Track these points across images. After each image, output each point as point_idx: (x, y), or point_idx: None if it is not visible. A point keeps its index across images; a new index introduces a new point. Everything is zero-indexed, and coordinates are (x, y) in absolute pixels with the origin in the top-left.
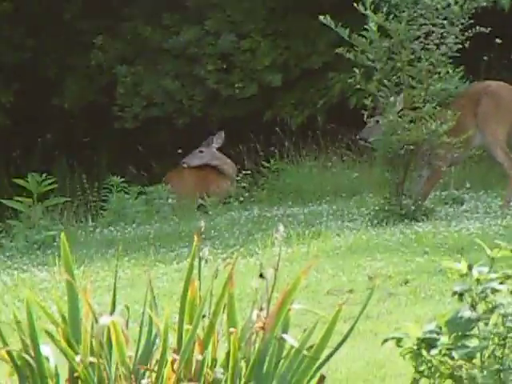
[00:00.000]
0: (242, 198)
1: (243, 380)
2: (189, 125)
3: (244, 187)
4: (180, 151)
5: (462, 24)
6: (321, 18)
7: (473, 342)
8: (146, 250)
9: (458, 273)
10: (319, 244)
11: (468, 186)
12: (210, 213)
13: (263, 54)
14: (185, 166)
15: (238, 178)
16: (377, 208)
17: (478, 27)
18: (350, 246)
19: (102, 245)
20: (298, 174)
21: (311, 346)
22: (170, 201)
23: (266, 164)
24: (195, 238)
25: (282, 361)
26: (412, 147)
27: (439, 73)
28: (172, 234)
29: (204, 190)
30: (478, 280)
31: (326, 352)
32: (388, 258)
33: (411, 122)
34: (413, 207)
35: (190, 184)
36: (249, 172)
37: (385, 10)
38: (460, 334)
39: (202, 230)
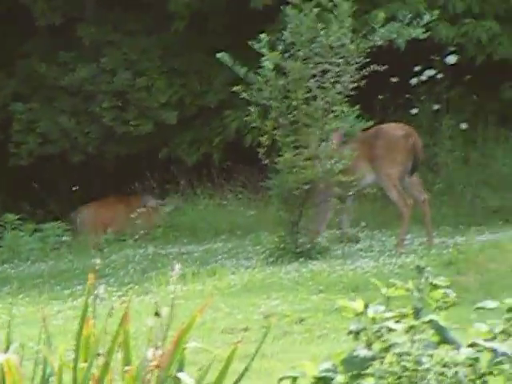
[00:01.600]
0: (136, 236)
1: None
2: (84, 162)
3: (139, 225)
4: (75, 188)
5: (358, 63)
6: (218, 55)
7: (368, 381)
8: (41, 287)
9: (353, 312)
10: (214, 282)
11: (363, 224)
12: (105, 250)
13: (159, 91)
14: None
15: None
16: (272, 246)
17: (373, 66)
18: (246, 285)
19: None
20: (193, 212)
21: None
22: (64, 238)
23: (161, 202)
24: (90, 275)
25: None
26: (307, 186)
27: (335, 111)
28: (67, 272)
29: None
30: (373, 319)
31: None
32: (283, 297)
33: (307, 160)
34: (308, 245)
35: (103, 218)
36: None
37: (280, 48)
38: (356, 372)
39: (97, 267)
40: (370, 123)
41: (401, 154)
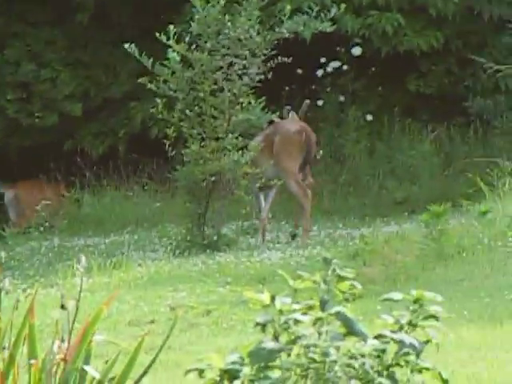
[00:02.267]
0: (42, 228)
1: None
2: None
3: (44, 217)
4: None
5: (265, 55)
6: (126, 45)
7: (275, 373)
8: None
9: (260, 304)
10: (120, 274)
11: (270, 216)
12: (10, 242)
13: (63, 83)
14: None
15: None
16: (179, 238)
17: (279, 58)
18: (152, 277)
19: None
20: (99, 204)
21: (113, 378)
22: None
23: (67, 194)
24: None
25: None
26: (214, 178)
27: (241, 103)
28: None
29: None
30: (280, 311)
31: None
32: (190, 289)
33: (213, 152)
34: (215, 237)
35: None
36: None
37: (187, 40)
38: (263, 364)
39: (2, 260)
40: (276, 115)
41: (296, 149)
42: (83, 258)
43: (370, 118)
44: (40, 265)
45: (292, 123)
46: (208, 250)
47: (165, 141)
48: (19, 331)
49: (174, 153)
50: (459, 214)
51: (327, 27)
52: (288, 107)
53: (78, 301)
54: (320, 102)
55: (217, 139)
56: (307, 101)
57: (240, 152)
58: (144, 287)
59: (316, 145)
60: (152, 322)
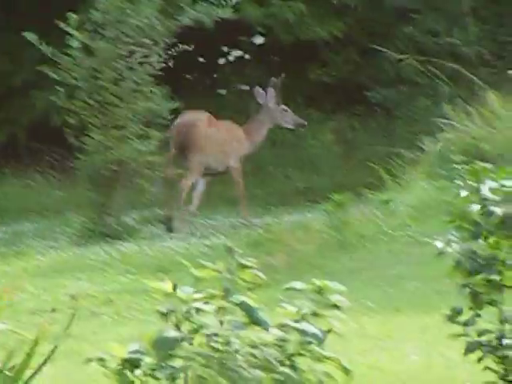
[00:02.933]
0: None
1: None
2: None
3: None
4: None
5: (166, 43)
6: (25, 34)
7: (177, 363)
8: None
9: (162, 293)
10: (21, 263)
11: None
12: None
13: None
14: None
15: None
16: (80, 227)
17: (180, 46)
18: (53, 266)
19: None
20: (0, 193)
21: (13, 367)
22: None
23: None
24: None
25: None
26: (116, 167)
27: (143, 92)
28: None
29: None
30: (182, 300)
31: (28, 373)
32: (91, 278)
33: (116, 140)
34: (117, 226)
35: None
36: None
37: (89, 28)
38: (165, 354)
39: None
40: (178, 103)
41: (203, 140)
42: None
43: None
44: None
45: (197, 113)
46: (109, 239)
47: (66, 129)
48: None
49: (75, 141)
50: (361, 203)
51: (228, 14)
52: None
53: None
54: (222, 91)
55: (119, 128)
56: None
57: (142, 141)
58: (44, 276)
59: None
60: (53, 310)
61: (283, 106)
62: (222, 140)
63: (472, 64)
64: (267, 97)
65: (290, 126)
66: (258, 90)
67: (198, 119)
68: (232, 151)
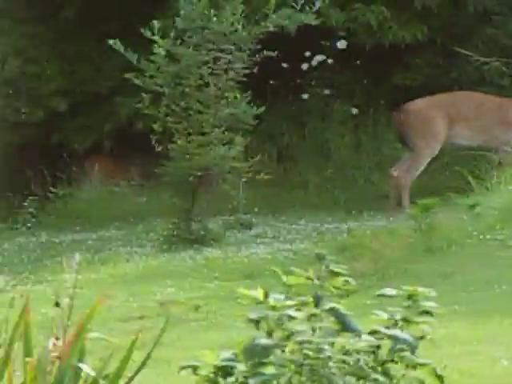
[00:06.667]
0: (29, 224)
1: None
2: None
3: (31, 213)
4: None
5: (250, 49)
6: (110, 41)
7: (269, 370)
8: None
9: (253, 299)
10: (109, 270)
11: (256, 210)
12: None
13: (49, 79)
14: None
15: (26, 204)
16: (166, 233)
17: (265, 52)
18: (140, 272)
19: None
20: (85, 200)
21: (107, 375)
22: None
23: (53, 189)
24: None
25: None
26: (200, 172)
27: (227, 98)
28: None
29: None
30: (273, 307)
31: (122, 381)
32: (178, 284)
33: (200, 147)
34: (202, 232)
35: None
36: (36, 197)
37: (172, 34)
38: (257, 361)
39: None
40: (262, 109)
41: None
42: (76, 256)
43: (355, 111)
44: (28, 261)
45: None
46: (195, 245)
47: (151, 136)
48: (14, 329)
49: (160, 148)
50: (447, 207)
51: (312, 20)
52: None
53: (72, 299)
54: (305, 96)
55: (203, 134)
56: None
57: (226, 147)
58: (132, 283)
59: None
60: (142, 317)
61: None
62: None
63: None
64: None
65: None
66: None
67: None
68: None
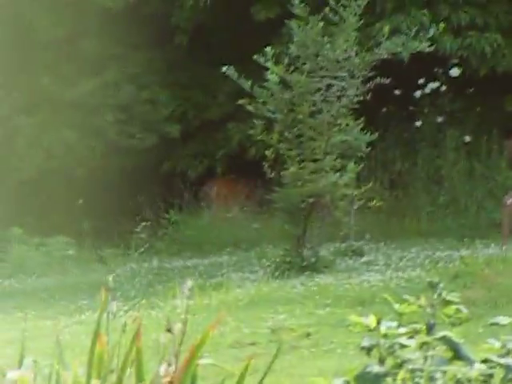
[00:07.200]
0: (141, 250)
1: None
2: (88, 175)
3: (143, 238)
4: (81, 201)
5: (363, 76)
6: (224, 68)
7: None
8: (47, 301)
9: (365, 327)
10: (220, 296)
11: (368, 237)
12: (110, 264)
13: (162, 104)
14: None
15: (138, 229)
16: (277, 260)
17: (378, 79)
18: (252, 298)
19: (1, 297)
20: (197, 225)
21: None
22: (69, 252)
23: (166, 215)
24: (103, 291)
25: None
26: (312, 199)
27: (339, 124)
28: (72, 286)
29: None
30: (385, 335)
31: None
32: (290, 311)
33: (312, 173)
34: (313, 259)
35: None
36: (148, 223)
37: (286, 61)
38: None
39: (110, 284)
40: (374, 136)
41: None
42: (189, 282)
43: (468, 138)
44: (140, 286)
45: None
46: (307, 272)
47: (263, 162)
48: (126, 354)
49: (272, 174)
50: None
51: (425, 48)
52: None
53: (184, 324)
54: (418, 123)
55: (315, 161)
56: None
57: (338, 173)
58: (244, 309)
59: None
60: (253, 344)
61: None
62: None
63: None
64: None
65: None
66: None
67: None
68: None
